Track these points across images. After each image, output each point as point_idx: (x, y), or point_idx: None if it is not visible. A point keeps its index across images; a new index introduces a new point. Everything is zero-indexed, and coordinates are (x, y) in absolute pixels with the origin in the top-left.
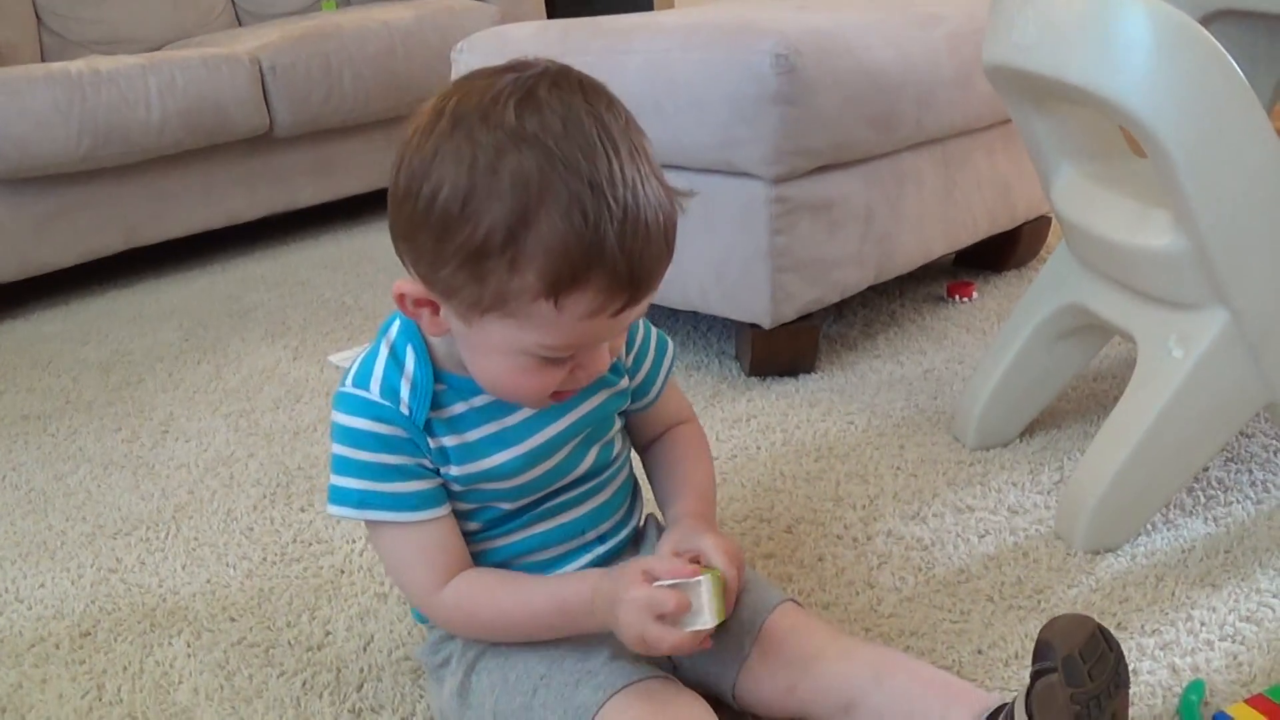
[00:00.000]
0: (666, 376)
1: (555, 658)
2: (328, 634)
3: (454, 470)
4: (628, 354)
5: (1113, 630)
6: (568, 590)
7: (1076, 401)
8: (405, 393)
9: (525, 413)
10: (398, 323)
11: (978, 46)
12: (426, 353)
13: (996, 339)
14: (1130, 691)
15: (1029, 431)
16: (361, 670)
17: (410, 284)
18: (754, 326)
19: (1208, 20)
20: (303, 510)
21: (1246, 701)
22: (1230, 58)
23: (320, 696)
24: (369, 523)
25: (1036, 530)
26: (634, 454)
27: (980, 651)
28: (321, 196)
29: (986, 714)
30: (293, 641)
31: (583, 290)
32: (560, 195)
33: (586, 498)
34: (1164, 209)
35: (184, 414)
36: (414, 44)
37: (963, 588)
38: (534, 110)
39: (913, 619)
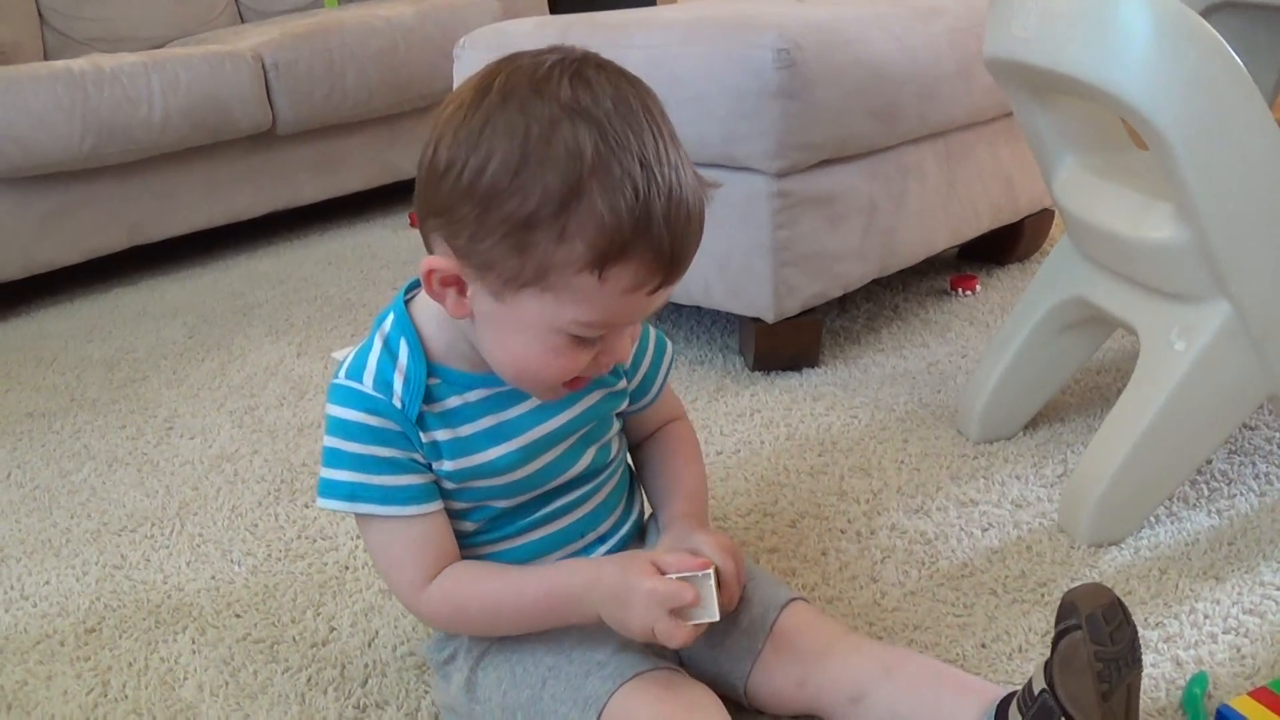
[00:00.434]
0: (665, 377)
1: (563, 649)
2: (332, 630)
3: (447, 465)
4: None
5: None
6: (558, 580)
7: (1080, 395)
8: (398, 385)
9: (520, 408)
10: (391, 316)
11: (979, 39)
12: (420, 346)
13: (999, 332)
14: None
15: (1032, 425)
16: (366, 666)
17: (442, 260)
18: (757, 321)
19: (1208, 12)
20: (307, 506)
21: (1250, 694)
22: (1231, 49)
23: (325, 692)
24: (359, 517)
25: (1040, 524)
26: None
27: (984, 645)
28: (325, 193)
29: (996, 704)
30: (297, 638)
31: (627, 263)
32: (613, 169)
33: (583, 501)
34: (1166, 201)
35: (188, 411)
36: (416, 40)
37: (966, 581)
38: (585, 86)
39: (916, 613)
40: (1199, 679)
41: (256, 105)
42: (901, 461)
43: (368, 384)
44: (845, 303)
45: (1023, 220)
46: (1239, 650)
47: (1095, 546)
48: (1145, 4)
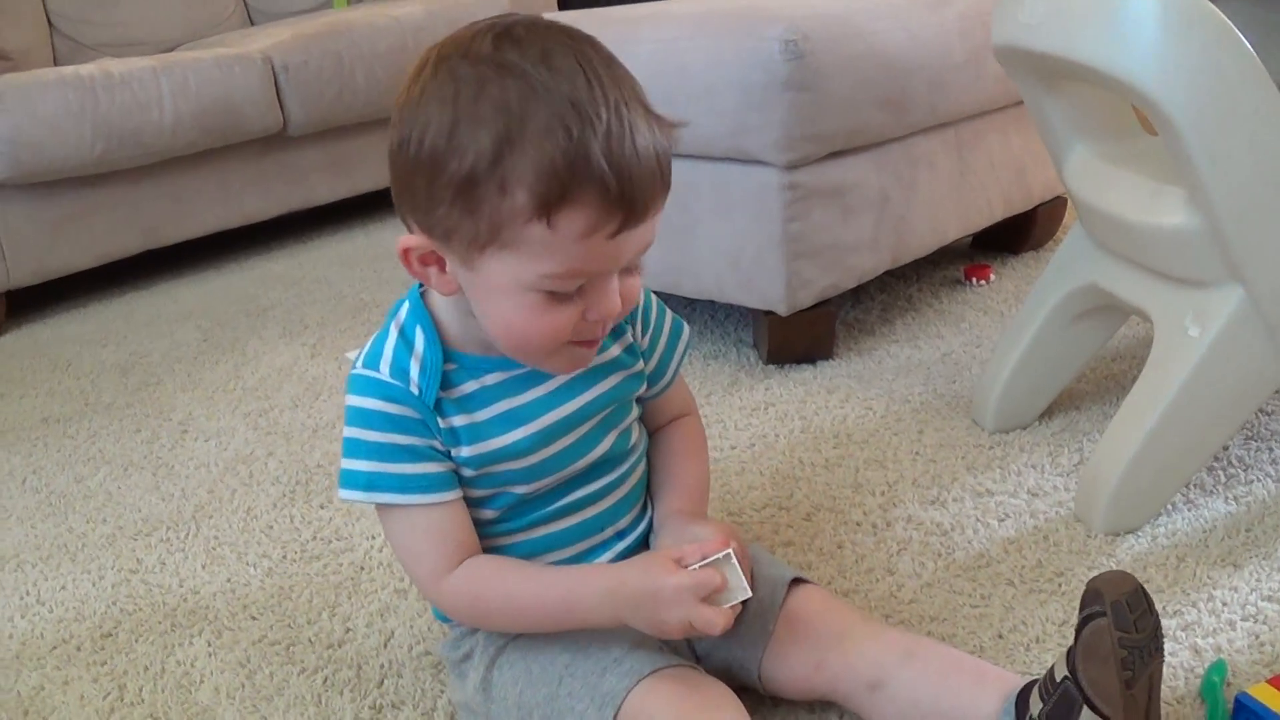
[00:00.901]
0: (680, 362)
1: (579, 647)
2: (348, 631)
3: (465, 451)
4: (643, 335)
5: None
6: (579, 583)
7: (1094, 383)
8: (415, 372)
9: (536, 391)
10: (407, 304)
11: (988, 28)
12: (436, 332)
13: (1013, 321)
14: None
15: (1048, 414)
16: (382, 666)
17: (413, 238)
18: (770, 314)
19: None
20: (322, 508)
21: (1269, 681)
22: (1240, 34)
23: (341, 693)
24: (378, 507)
25: (1056, 513)
26: None
27: (1001, 636)
28: (337, 194)
29: (1016, 692)
30: (313, 639)
31: (574, 207)
32: (541, 114)
33: (605, 493)
34: (1177, 187)
35: (203, 414)
36: (425, 39)
37: (983, 572)
38: (512, 44)
39: (933, 604)
40: (1218, 667)
41: (267, 107)
42: (917, 453)
43: (384, 372)
44: (859, 294)
45: (1036, 208)
46: (1257, 638)
47: (1112, 535)
48: None
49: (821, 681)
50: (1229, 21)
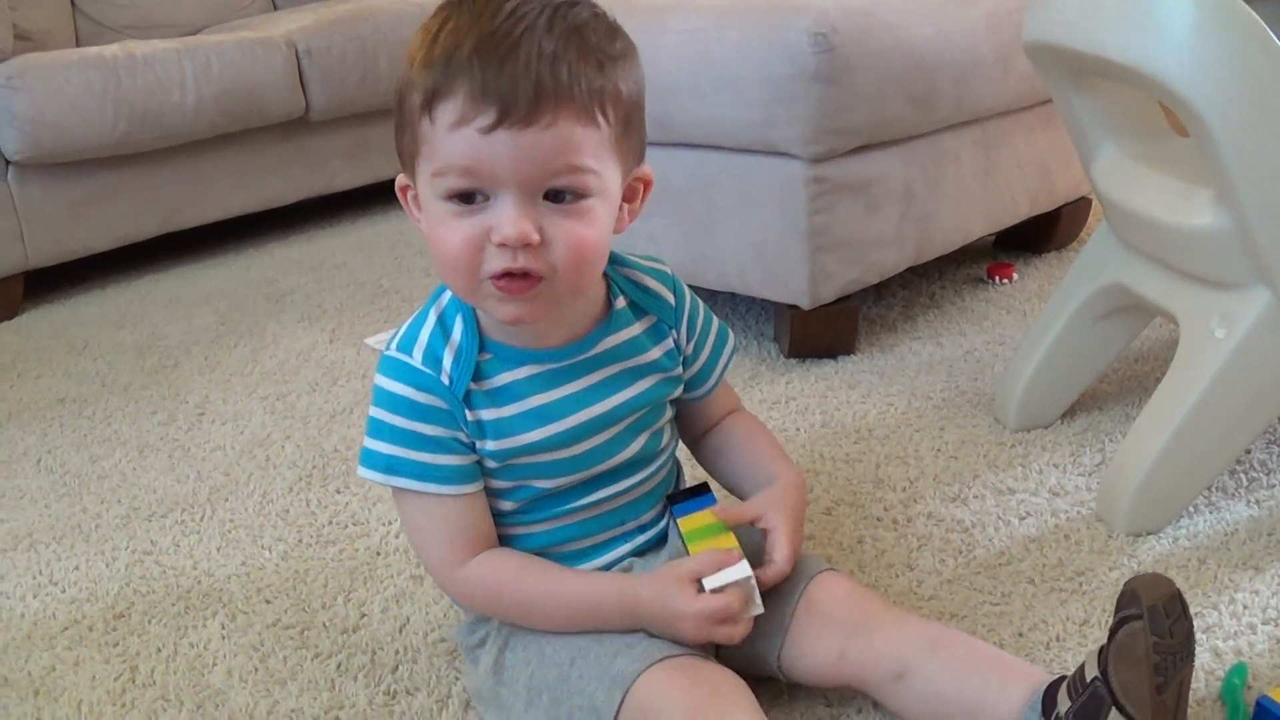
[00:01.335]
0: (725, 368)
1: (594, 634)
2: (363, 616)
3: (490, 445)
4: (688, 341)
5: None
6: (599, 591)
7: (1118, 383)
8: (448, 361)
9: (570, 388)
10: (450, 290)
11: (1016, 25)
12: (475, 321)
13: (1038, 320)
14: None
15: (1070, 413)
16: (397, 652)
17: (401, 175)
18: (793, 307)
19: None
20: (339, 493)
21: None
22: (1273, 34)
23: (355, 679)
24: (395, 490)
25: (1078, 512)
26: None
27: (1021, 634)
28: (357, 180)
29: (1044, 688)
30: (328, 624)
31: (447, 99)
32: (445, 27)
33: (630, 490)
34: (1206, 187)
35: (220, 397)
36: None
37: (1003, 570)
38: None
39: (953, 601)
40: (1238, 670)
41: (289, 92)
42: (938, 449)
43: (417, 358)
44: (881, 290)
45: (1060, 208)
46: (1278, 641)
47: (1133, 536)
48: None
49: (845, 670)
50: (1262, 21)
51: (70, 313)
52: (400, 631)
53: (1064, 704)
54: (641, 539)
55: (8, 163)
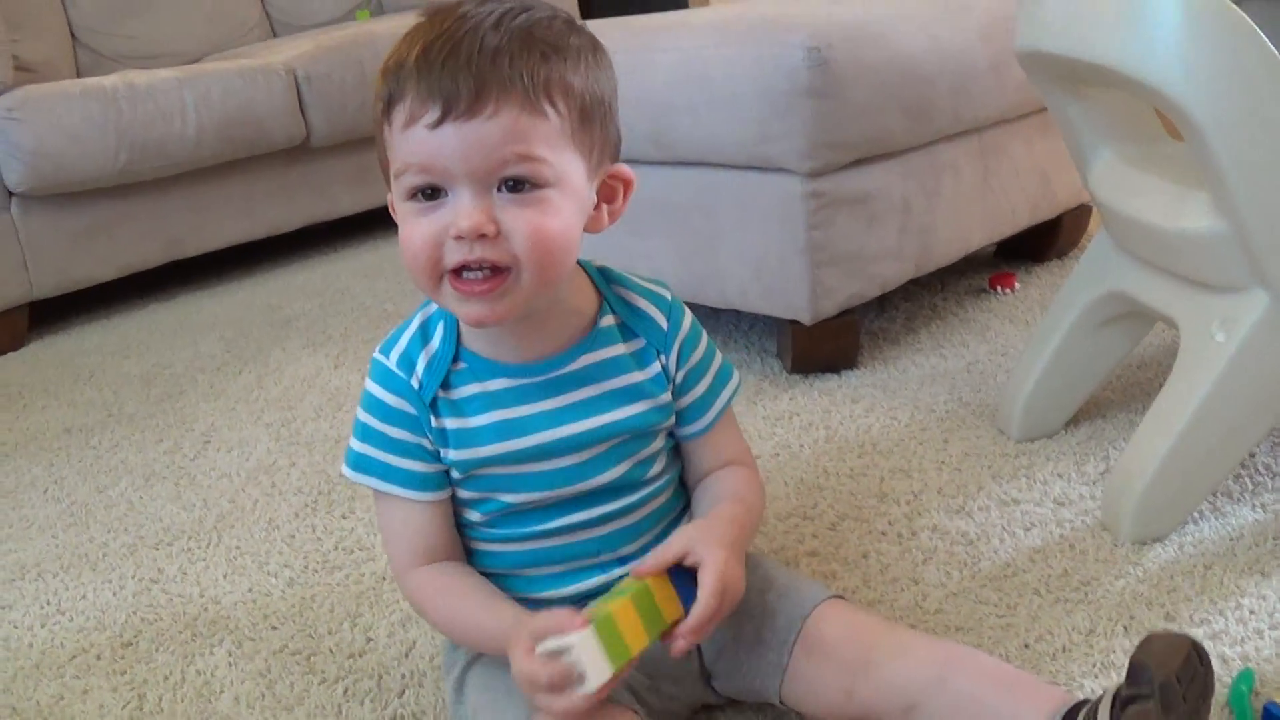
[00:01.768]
0: (724, 406)
1: None
2: (369, 641)
3: (452, 454)
4: (679, 368)
5: (1161, 621)
6: (490, 626)
7: (1120, 390)
8: (420, 366)
9: (541, 405)
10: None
11: (1011, 34)
12: (455, 330)
13: (1038, 329)
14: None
15: (1074, 422)
16: (403, 677)
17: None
18: (794, 323)
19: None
20: (344, 518)
21: None
22: (1265, 37)
23: (362, 703)
24: (372, 490)
25: (1083, 521)
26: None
27: (1027, 645)
28: (360, 205)
29: (1062, 714)
30: (334, 649)
31: (400, 102)
32: (403, 42)
33: (611, 518)
34: (1202, 191)
35: (225, 424)
36: None
37: (1009, 581)
38: (450, 8)
39: (959, 614)
40: (1245, 676)
41: (290, 118)
42: (942, 462)
43: (393, 361)
44: (883, 303)
45: (1060, 216)
46: None
47: (1139, 543)
48: None
49: (853, 709)
50: (1253, 24)
51: (75, 343)
52: (406, 656)
53: None
54: (619, 571)
55: (10, 194)
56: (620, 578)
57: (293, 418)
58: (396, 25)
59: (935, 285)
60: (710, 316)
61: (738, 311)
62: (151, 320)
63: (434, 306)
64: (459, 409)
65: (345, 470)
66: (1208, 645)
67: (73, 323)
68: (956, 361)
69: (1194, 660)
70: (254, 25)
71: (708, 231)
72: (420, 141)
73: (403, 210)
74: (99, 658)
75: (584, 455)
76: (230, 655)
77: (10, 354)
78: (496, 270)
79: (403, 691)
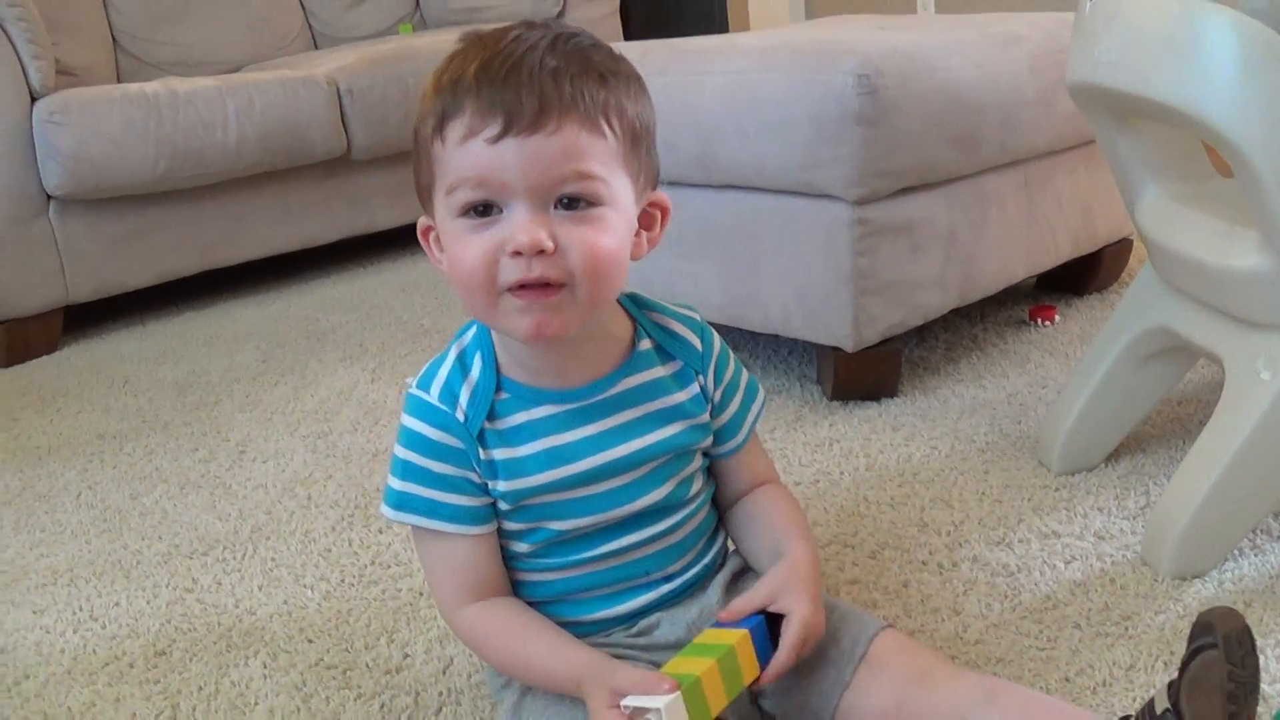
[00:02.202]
0: (754, 422)
1: None
2: (406, 657)
3: (501, 485)
4: (716, 387)
5: None
6: (561, 671)
7: (1162, 425)
8: (464, 398)
9: (587, 430)
10: (474, 329)
11: (1059, 67)
12: (494, 360)
13: (1082, 362)
14: None
15: (1114, 456)
16: (440, 694)
17: (423, 218)
18: (836, 350)
19: None
20: (381, 532)
21: None
22: None
23: None
24: (412, 527)
25: (1123, 556)
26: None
27: (1068, 679)
28: (399, 219)
29: None
30: (371, 664)
31: (456, 118)
32: (454, 58)
33: (654, 540)
34: (1251, 228)
35: (261, 435)
36: None
37: (1049, 614)
38: (504, 29)
39: (999, 646)
40: None
41: (331, 130)
42: (983, 493)
43: (434, 395)
44: (923, 332)
45: (1102, 249)
46: None
47: (1179, 579)
48: (1232, 28)
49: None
50: None
51: (110, 348)
52: (444, 673)
53: None
54: (666, 589)
55: (49, 197)
56: (667, 595)
57: (329, 430)
58: (438, 40)
59: (975, 315)
60: (750, 341)
61: (779, 337)
62: (187, 328)
63: (469, 337)
64: (507, 439)
65: (385, 511)
66: None
67: (108, 328)
68: (997, 392)
69: (1249, 636)
70: (295, 36)
71: (751, 256)
72: (479, 155)
73: (453, 229)
74: (132, 666)
75: (630, 477)
76: (265, 667)
77: (45, 357)
78: (551, 287)
79: (440, 709)
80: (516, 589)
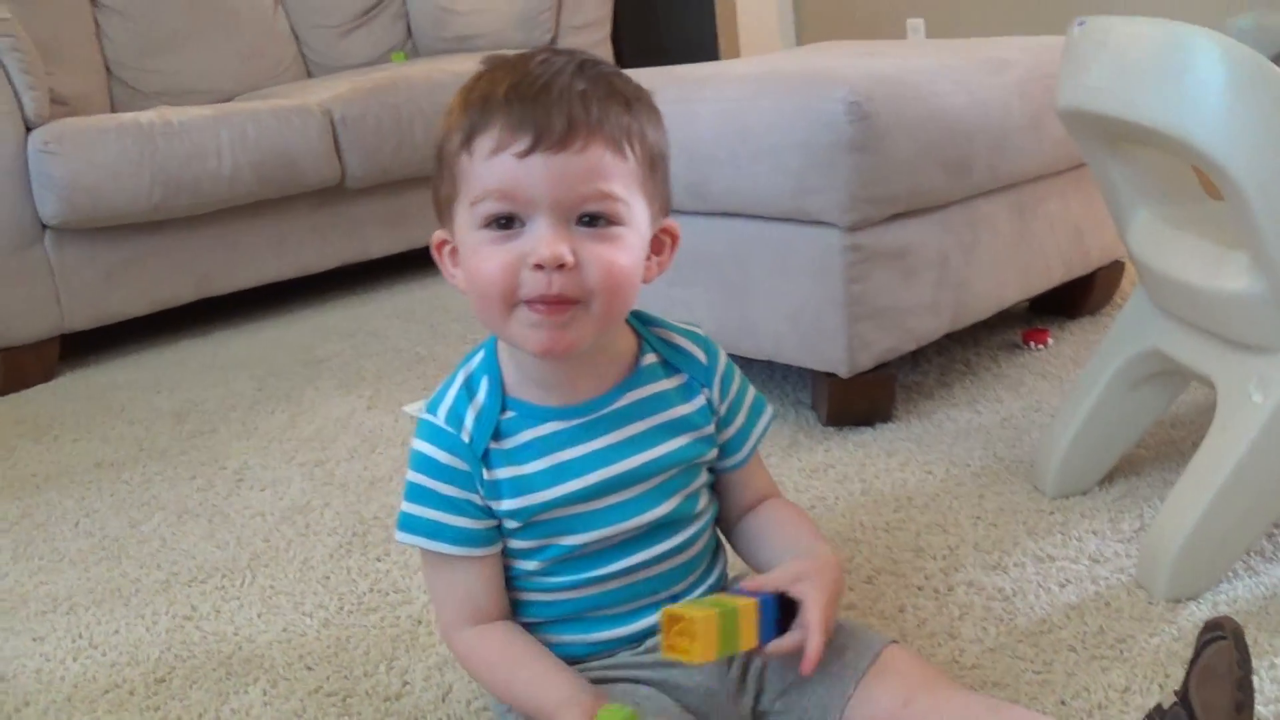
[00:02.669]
0: (760, 437)
1: None
2: (405, 684)
3: (507, 504)
4: (722, 400)
5: None
6: (545, 696)
7: (1155, 448)
8: (470, 420)
9: (593, 444)
10: (481, 354)
11: (1048, 91)
12: (500, 381)
13: (1075, 386)
14: None
15: (1109, 479)
16: None
17: (438, 231)
18: (831, 376)
19: None
20: (379, 560)
21: None
22: None
23: None
24: (419, 548)
25: (1118, 579)
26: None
27: (1064, 702)
28: (394, 247)
29: None
30: (370, 691)
31: (484, 132)
32: (482, 77)
33: (666, 557)
34: (1241, 251)
35: (258, 463)
36: None
37: (1045, 638)
38: (528, 54)
39: (995, 670)
40: None
41: (325, 159)
42: (978, 517)
43: (441, 418)
44: (918, 357)
45: (1094, 273)
46: None
47: (1174, 601)
48: (1220, 52)
49: (908, 717)
50: None
51: (106, 376)
52: (443, 700)
53: None
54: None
55: (44, 226)
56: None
57: (326, 458)
58: (432, 69)
59: (968, 340)
60: (744, 367)
61: (773, 363)
62: (182, 356)
63: (476, 360)
64: (513, 457)
65: (397, 534)
66: None
67: (104, 356)
68: (990, 416)
69: (1245, 645)
70: (288, 65)
71: (745, 282)
72: (505, 169)
73: (474, 240)
74: (132, 693)
75: (637, 490)
76: (265, 695)
77: (41, 386)
78: (566, 302)
79: None
80: (525, 609)
